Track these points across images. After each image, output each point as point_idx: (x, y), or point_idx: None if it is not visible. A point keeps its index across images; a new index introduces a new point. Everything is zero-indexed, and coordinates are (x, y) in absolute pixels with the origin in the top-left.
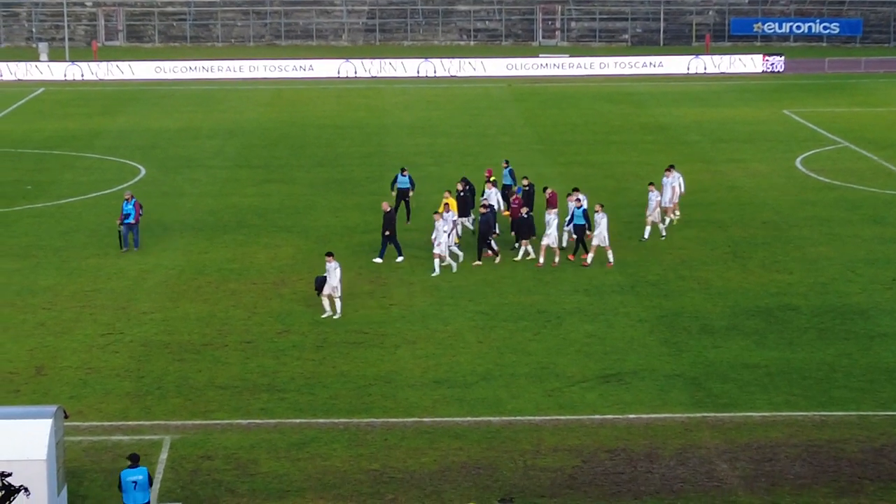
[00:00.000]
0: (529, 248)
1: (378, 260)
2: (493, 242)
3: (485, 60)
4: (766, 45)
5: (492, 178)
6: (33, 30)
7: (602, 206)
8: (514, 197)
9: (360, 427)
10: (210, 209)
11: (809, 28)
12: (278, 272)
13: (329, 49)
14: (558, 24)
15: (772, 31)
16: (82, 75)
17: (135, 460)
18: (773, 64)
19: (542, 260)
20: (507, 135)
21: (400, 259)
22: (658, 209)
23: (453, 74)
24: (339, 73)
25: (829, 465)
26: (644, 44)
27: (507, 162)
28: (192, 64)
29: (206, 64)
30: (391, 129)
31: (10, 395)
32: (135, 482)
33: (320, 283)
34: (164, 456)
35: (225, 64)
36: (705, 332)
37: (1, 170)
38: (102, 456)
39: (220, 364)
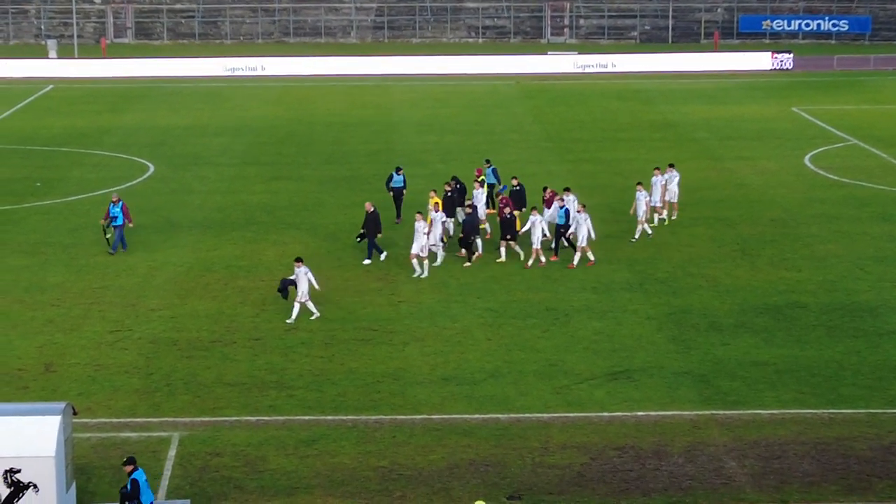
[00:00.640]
0: (517, 247)
1: (367, 262)
2: (475, 243)
3: (493, 57)
4: (775, 42)
5: (480, 178)
6: (42, 27)
7: (584, 206)
8: (500, 196)
9: (369, 424)
10: (218, 206)
11: (818, 25)
12: (287, 269)
13: (337, 46)
14: (567, 22)
15: (780, 28)
16: (91, 72)
17: (134, 462)
18: (781, 61)
19: (530, 262)
20: (515, 132)
21: (367, 262)
22: (647, 209)
23: (461, 71)
24: (347, 70)
25: (838, 462)
26: (653, 41)
27: (488, 161)
28: (201, 61)
29: (215, 61)
30: (399, 126)
31: (19, 391)
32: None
33: (284, 285)
34: (172, 453)
35: (233, 61)
36: (714, 330)
37: (10, 167)
38: (111, 453)
39: (228, 361)
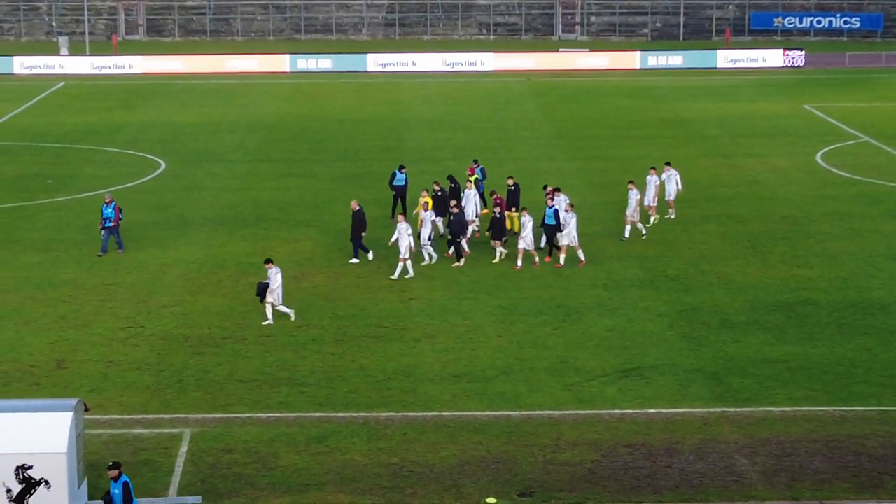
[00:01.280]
0: (500, 248)
1: (354, 261)
2: (463, 244)
3: (504, 55)
4: (787, 39)
5: (473, 178)
6: (54, 24)
7: (572, 205)
8: (495, 196)
9: (380, 421)
10: (230, 203)
11: (830, 22)
12: (298, 266)
13: (349, 43)
14: (578, 19)
15: (792, 25)
16: (102, 69)
17: (119, 467)
18: (793, 58)
19: (520, 262)
20: (526, 129)
21: (354, 261)
22: (638, 208)
23: (473, 69)
24: (358, 67)
25: (850, 460)
26: (664, 38)
27: (476, 161)
28: (212, 58)
29: (226, 58)
30: (411, 123)
31: (31, 388)
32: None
33: (262, 289)
34: (183, 449)
35: (245, 58)
36: (725, 327)
37: (22, 163)
38: (123, 449)
39: (239, 358)
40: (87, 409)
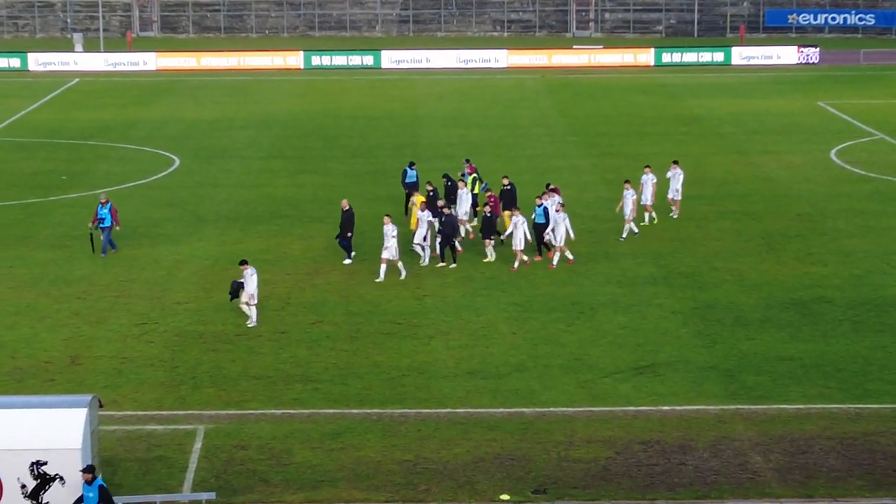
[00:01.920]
0: (490, 248)
1: (348, 261)
2: (456, 244)
3: (518, 51)
4: (801, 36)
5: (472, 176)
6: (68, 20)
7: (563, 205)
8: (489, 195)
9: (394, 418)
10: (244, 200)
11: (844, 19)
12: (312, 263)
13: (363, 40)
14: (592, 15)
15: (806, 22)
16: (117, 66)
17: (94, 471)
18: (807, 55)
19: (516, 264)
20: (540, 126)
21: (348, 261)
22: (635, 208)
23: (487, 65)
24: (372, 63)
25: (864, 458)
26: (678, 35)
27: (468, 161)
28: (226, 55)
29: (240, 55)
30: (424, 120)
31: (46, 384)
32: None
33: (236, 288)
34: (198, 445)
35: (259, 55)
36: (739, 324)
37: (36, 160)
38: (137, 445)
39: (253, 354)
40: (101, 406)
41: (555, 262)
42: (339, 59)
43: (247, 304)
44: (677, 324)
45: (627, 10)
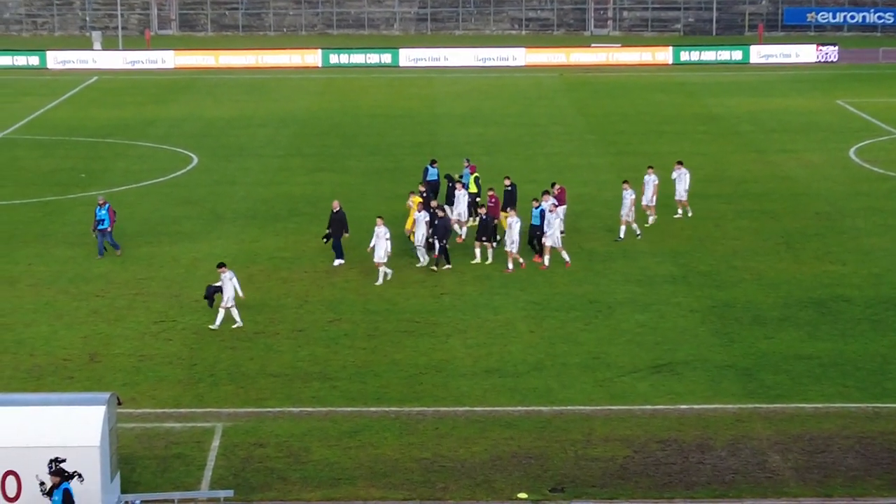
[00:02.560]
0: (488, 251)
1: (340, 261)
2: (447, 247)
3: (536, 50)
4: (820, 34)
5: (474, 175)
6: (87, 18)
7: (556, 205)
8: (490, 195)
9: (412, 416)
10: (262, 198)
11: (864, 17)
12: (330, 261)
13: (381, 38)
14: (610, 14)
15: (825, 20)
16: (135, 64)
17: (62, 474)
18: (826, 54)
19: (510, 265)
20: (558, 124)
21: (339, 262)
22: (633, 208)
23: (505, 64)
24: (390, 62)
25: (883, 457)
26: (696, 33)
27: (468, 160)
28: (245, 53)
29: (258, 53)
30: (442, 118)
31: (64, 381)
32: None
33: (211, 292)
34: (216, 443)
35: (277, 53)
36: (757, 323)
37: (55, 158)
38: (155, 443)
39: (271, 352)
40: (119, 403)
41: (546, 262)
42: (358, 58)
43: (224, 308)
44: (695, 322)
45: (646, 9)
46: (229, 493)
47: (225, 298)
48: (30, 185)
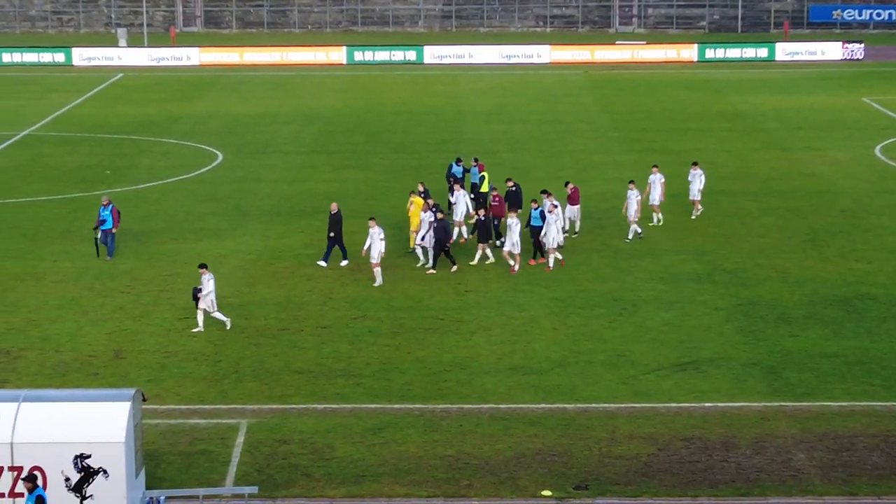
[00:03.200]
0: (488, 251)
1: (322, 263)
2: (449, 250)
3: (561, 47)
4: (846, 31)
5: (481, 173)
6: (112, 16)
7: (556, 206)
8: (494, 195)
9: (436, 413)
10: (286, 195)
11: (890, 15)
12: (354, 258)
13: (405, 35)
14: (635, 11)
15: (851, 18)
16: (160, 61)
17: (35, 480)
18: (852, 51)
19: (516, 266)
20: (583, 122)
21: (344, 262)
22: (638, 209)
23: (529, 61)
24: (415, 59)
25: None
26: (722, 31)
27: (476, 159)
28: (269, 50)
29: (283, 50)
30: (467, 115)
31: (90, 377)
32: None
33: (196, 294)
34: (240, 440)
35: (301, 50)
36: (782, 321)
37: (80, 154)
38: (180, 439)
39: (296, 349)
40: (144, 399)
41: (550, 264)
42: (382, 55)
43: (205, 310)
44: (720, 320)
45: (671, 6)
46: (254, 489)
47: (206, 301)
48: (55, 182)
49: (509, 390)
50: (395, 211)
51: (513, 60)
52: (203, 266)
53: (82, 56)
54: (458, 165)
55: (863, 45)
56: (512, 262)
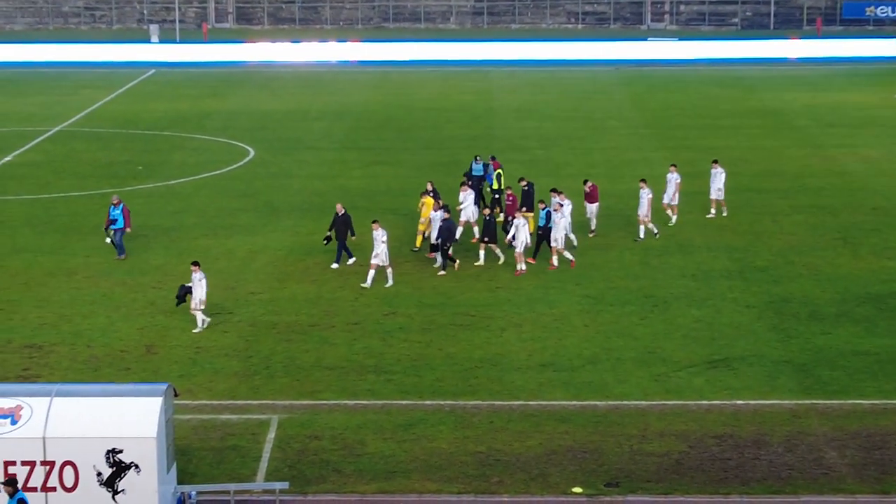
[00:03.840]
0: (498, 251)
1: (335, 265)
2: (450, 251)
3: (592, 44)
4: (879, 28)
5: (497, 172)
6: (144, 12)
7: (561, 205)
8: (508, 193)
9: (467, 409)
10: (317, 191)
11: None
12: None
13: (436, 32)
14: (667, 7)
15: (884, 14)
16: (192, 57)
17: (15, 483)
18: (885, 48)
19: (523, 266)
20: (614, 119)
21: (351, 261)
22: (650, 208)
23: (560, 57)
24: (446, 55)
25: None
26: (754, 27)
27: (494, 158)
28: (301, 46)
29: (315, 46)
30: (498, 112)
31: (121, 372)
32: None
33: (184, 292)
34: (271, 435)
35: (333, 46)
36: (814, 319)
37: (112, 150)
38: (211, 434)
39: (327, 345)
40: (176, 395)
41: (555, 262)
42: (413, 51)
43: (195, 310)
44: (752, 318)
45: (703, 3)
46: (284, 485)
47: (196, 301)
48: (88, 178)
49: (540, 387)
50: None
51: (544, 57)
52: (195, 264)
53: (115, 52)
54: (478, 163)
55: None
56: (520, 264)
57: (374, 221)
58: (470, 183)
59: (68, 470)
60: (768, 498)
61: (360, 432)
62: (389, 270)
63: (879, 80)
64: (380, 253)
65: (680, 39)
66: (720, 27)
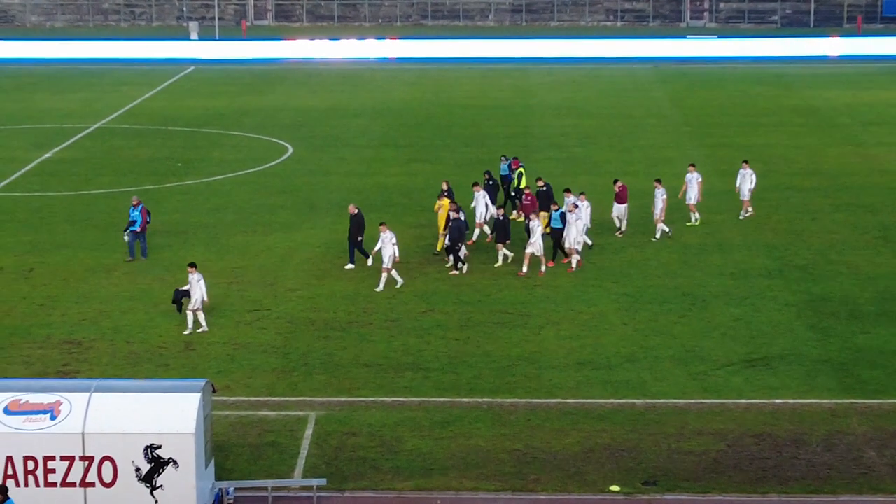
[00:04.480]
0: (506, 251)
1: (350, 266)
2: (461, 251)
3: (631, 41)
4: None
5: (517, 170)
6: (184, 9)
7: (576, 206)
8: (526, 192)
9: (504, 407)
10: (356, 188)
11: None
12: (423, 252)
13: (475, 29)
14: (706, 5)
15: None
16: (231, 54)
17: (6, 492)
18: None
19: (525, 268)
20: (653, 116)
21: (349, 266)
22: (664, 208)
23: (599, 55)
24: (485, 53)
25: None
26: (794, 25)
27: (516, 159)
28: (339, 43)
29: (353, 43)
30: (537, 109)
31: (160, 368)
32: None
33: (179, 296)
34: (309, 432)
35: (371, 43)
36: (854, 318)
37: (152, 147)
38: (249, 431)
39: (365, 342)
40: (214, 391)
41: (574, 265)
42: (452, 48)
43: (192, 311)
44: (791, 316)
45: (742, 0)
46: (322, 481)
47: (192, 301)
48: (127, 174)
49: (578, 385)
50: (464, 204)
51: (582, 54)
52: (192, 265)
53: (154, 49)
54: (504, 163)
55: None
56: (525, 265)
57: (381, 224)
58: (491, 182)
59: (107, 465)
60: (807, 497)
61: (397, 429)
62: (394, 272)
63: None
64: (388, 256)
65: (719, 37)
66: (760, 25)
